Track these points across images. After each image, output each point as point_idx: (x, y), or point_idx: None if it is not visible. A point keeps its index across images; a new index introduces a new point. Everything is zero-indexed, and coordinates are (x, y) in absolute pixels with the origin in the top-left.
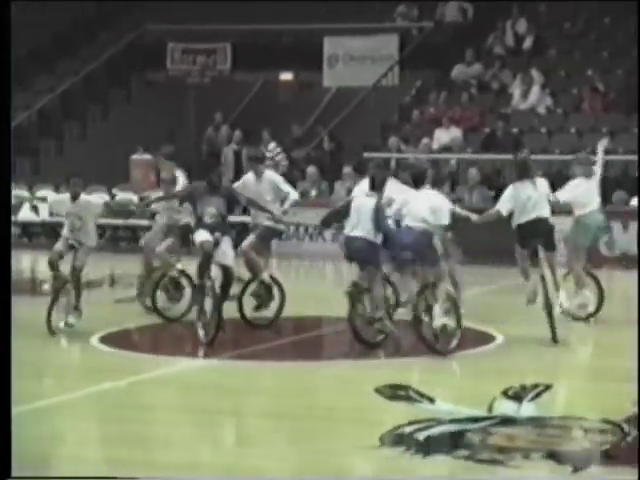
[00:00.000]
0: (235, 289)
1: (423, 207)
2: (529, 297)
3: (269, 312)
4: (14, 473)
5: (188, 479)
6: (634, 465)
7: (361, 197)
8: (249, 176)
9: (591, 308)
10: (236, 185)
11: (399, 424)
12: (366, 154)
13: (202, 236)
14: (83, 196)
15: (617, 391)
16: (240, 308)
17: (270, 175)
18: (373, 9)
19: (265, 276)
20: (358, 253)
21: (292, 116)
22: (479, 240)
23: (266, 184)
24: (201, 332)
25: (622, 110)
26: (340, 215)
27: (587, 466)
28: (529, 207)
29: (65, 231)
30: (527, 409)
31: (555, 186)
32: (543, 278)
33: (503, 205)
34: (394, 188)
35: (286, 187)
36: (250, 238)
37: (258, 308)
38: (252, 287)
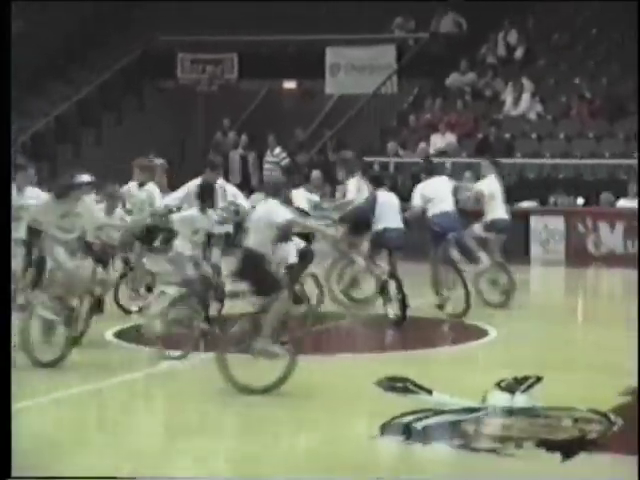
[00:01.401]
0: None
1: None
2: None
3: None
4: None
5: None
6: (621, 453)
7: (385, 194)
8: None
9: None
10: None
11: (398, 414)
12: (366, 158)
13: None
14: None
15: (604, 383)
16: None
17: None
18: (372, 21)
19: None
20: (398, 241)
21: (296, 122)
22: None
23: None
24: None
25: (607, 117)
26: (365, 211)
27: (576, 454)
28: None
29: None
30: (519, 400)
31: (549, 187)
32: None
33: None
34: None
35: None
36: None
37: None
38: None
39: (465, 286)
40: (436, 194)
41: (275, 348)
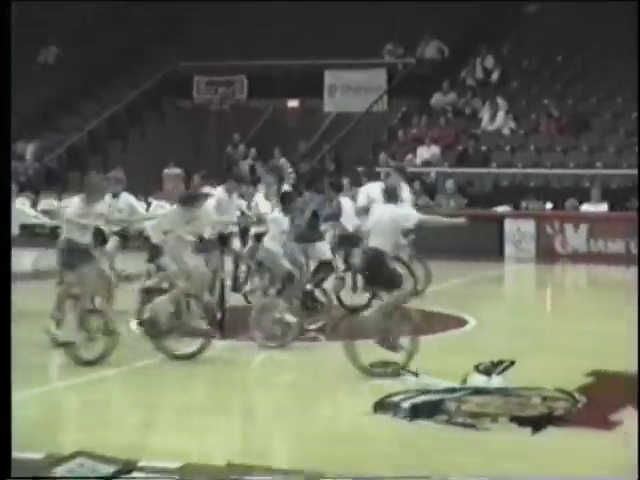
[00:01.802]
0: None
1: None
2: None
3: None
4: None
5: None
6: (584, 427)
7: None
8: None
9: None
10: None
11: (388, 394)
12: (360, 168)
13: None
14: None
15: (570, 366)
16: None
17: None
18: (366, 48)
19: None
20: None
21: (298, 136)
22: (451, 238)
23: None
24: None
25: (572, 132)
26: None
27: (544, 428)
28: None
29: None
30: (495, 381)
31: (521, 193)
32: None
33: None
34: None
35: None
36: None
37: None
38: None
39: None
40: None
41: (399, 342)
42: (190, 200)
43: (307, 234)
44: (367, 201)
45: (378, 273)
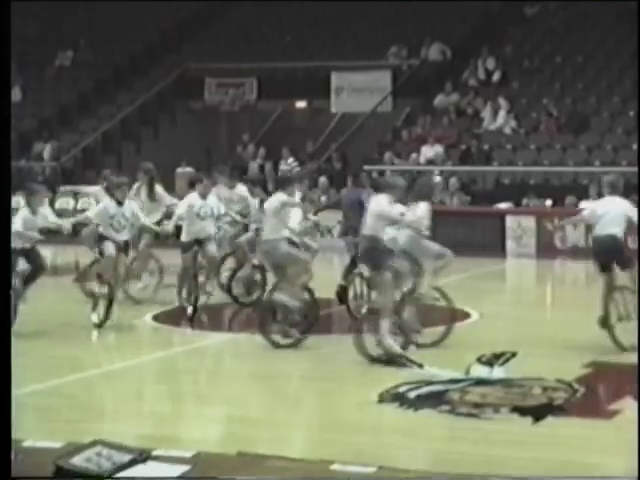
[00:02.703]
0: None
1: None
2: None
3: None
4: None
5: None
6: (582, 416)
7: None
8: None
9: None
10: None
11: (394, 385)
12: (366, 167)
13: None
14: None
15: (569, 357)
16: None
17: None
18: (371, 50)
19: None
20: None
21: (306, 136)
22: (456, 234)
23: None
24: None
25: (572, 131)
26: None
27: (544, 417)
28: None
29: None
30: (497, 372)
31: (522, 191)
32: None
33: None
34: None
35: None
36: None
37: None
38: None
39: None
40: None
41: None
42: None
43: None
44: None
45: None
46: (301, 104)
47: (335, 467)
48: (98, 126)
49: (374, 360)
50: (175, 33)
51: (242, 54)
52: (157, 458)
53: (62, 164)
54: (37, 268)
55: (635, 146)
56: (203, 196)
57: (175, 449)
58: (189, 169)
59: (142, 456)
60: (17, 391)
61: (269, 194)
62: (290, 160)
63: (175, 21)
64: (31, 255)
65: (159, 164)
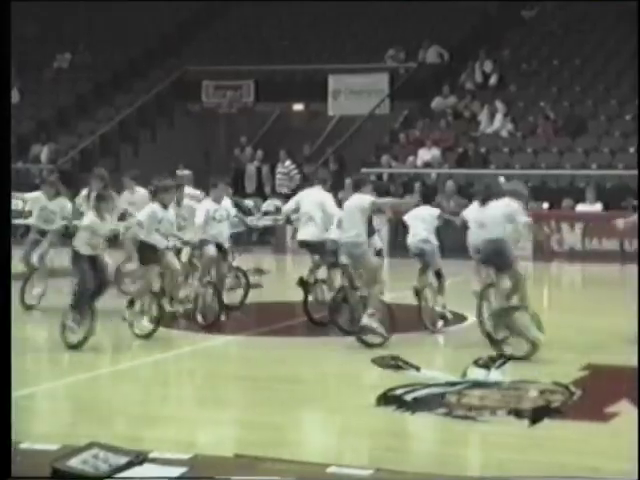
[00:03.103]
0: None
1: None
2: None
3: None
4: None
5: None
6: (579, 419)
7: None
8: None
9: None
10: None
11: (391, 387)
12: (363, 169)
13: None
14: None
15: (565, 360)
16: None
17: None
18: (368, 53)
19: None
20: None
21: (303, 139)
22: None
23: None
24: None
25: (568, 134)
26: None
27: (541, 420)
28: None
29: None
30: (494, 375)
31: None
32: None
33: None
34: None
35: None
36: None
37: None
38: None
39: None
40: None
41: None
42: None
43: None
44: None
45: None
46: (299, 107)
47: (332, 470)
48: (96, 128)
49: (370, 363)
50: (173, 36)
51: (240, 57)
52: (154, 460)
53: (59, 166)
54: (102, 284)
55: (632, 149)
56: (217, 200)
57: (172, 451)
58: (187, 172)
59: (139, 458)
60: (14, 393)
61: (265, 197)
62: (287, 163)
63: (173, 24)
64: (97, 264)
65: (157, 167)
